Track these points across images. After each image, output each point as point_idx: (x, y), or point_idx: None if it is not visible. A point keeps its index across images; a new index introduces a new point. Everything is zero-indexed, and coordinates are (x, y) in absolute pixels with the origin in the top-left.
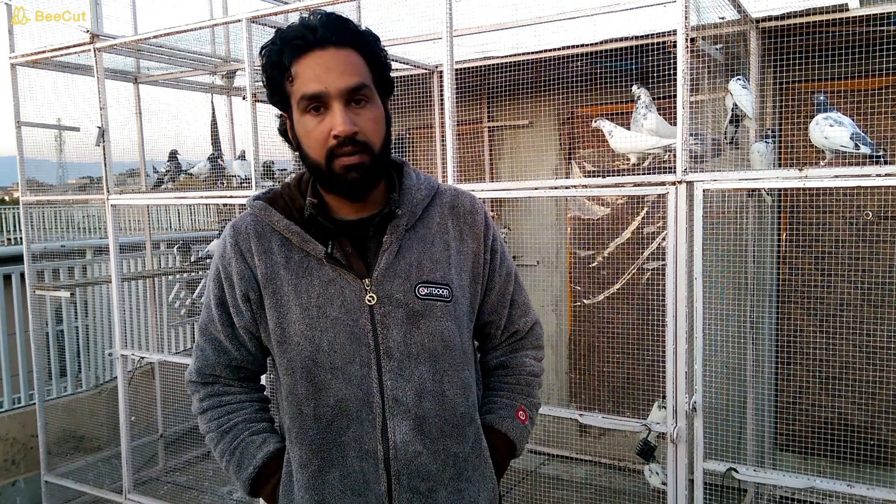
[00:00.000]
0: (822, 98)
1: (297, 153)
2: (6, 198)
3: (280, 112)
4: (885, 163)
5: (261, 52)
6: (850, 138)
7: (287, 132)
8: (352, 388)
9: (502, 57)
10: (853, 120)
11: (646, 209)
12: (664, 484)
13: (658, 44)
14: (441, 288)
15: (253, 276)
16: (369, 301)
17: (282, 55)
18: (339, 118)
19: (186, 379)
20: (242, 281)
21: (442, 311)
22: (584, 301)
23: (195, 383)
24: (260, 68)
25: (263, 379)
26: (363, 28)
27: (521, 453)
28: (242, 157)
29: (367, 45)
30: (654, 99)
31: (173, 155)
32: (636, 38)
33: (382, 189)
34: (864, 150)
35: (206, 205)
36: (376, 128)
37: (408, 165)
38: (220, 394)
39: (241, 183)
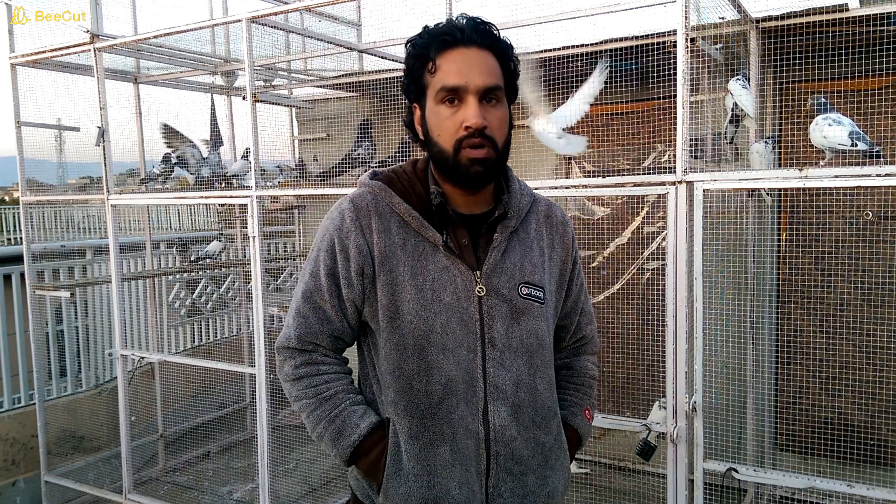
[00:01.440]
0: (822, 100)
1: (419, 143)
2: (6, 198)
3: (410, 104)
4: (886, 162)
5: (407, 44)
6: (849, 136)
7: (413, 123)
8: (460, 371)
9: None
10: (853, 120)
11: (646, 209)
12: None
13: (658, 44)
14: (538, 290)
15: (370, 252)
16: (479, 292)
17: (429, 47)
18: (472, 111)
19: (281, 344)
20: (360, 255)
21: (538, 312)
22: None
23: (292, 349)
24: (404, 60)
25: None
26: (502, 36)
27: (584, 446)
28: (245, 156)
29: (503, 52)
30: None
31: (167, 157)
32: (636, 38)
33: (491, 189)
34: (862, 146)
35: (206, 205)
36: (502, 127)
37: (511, 170)
38: (318, 362)
39: (231, 177)
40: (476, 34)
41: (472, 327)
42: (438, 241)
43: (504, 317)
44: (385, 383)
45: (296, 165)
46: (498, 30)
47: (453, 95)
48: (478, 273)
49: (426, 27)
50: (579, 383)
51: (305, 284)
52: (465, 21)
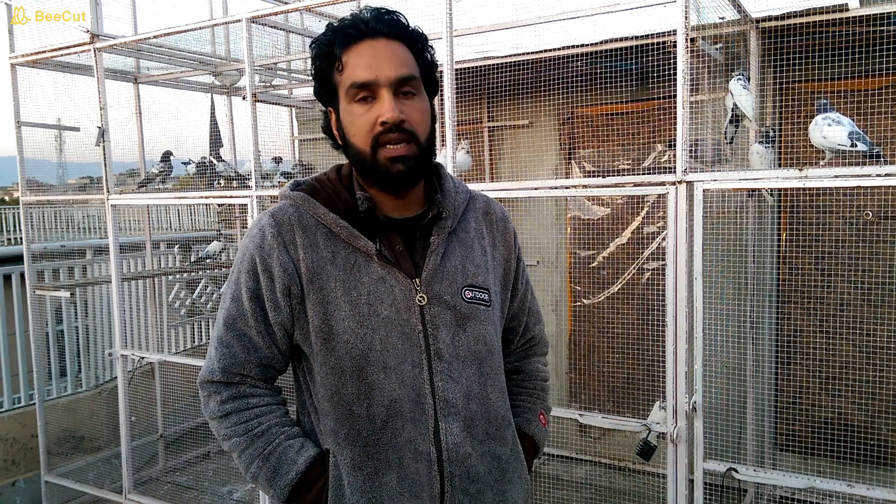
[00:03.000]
0: (823, 102)
1: (339, 149)
2: (6, 198)
3: (325, 108)
4: (885, 162)
5: (311, 45)
6: (848, 136)
7: (331, 128)
8: (405, 389)
9: (502, 57)
10: (853, 120)
11: (646, 209)
12: None
13: (658, 44)
14: (483, 292)
15: (296, 270)
16: (420, 301)
17: (332, 45)
18: (387, 104)
19: (205, 378)
20: (285, 274)
21: (484, 316)
22: (584, 301)
23: (217, 383)
24: (311, 59)
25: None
26: (413, 25)
27: (541, 455)
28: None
29: (416, 42)
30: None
31: (167, 156)
32: (636, 38)
33: (422, 189)
34: (861, 147)
35: (206, 205)
36: (423, 119)
37: (444, 168)
38: (246, 395)
39: (231, 177)
40: (382, 24)
41: (415, 340)
42: (371, 251)
43: (449, 325)
44: (323, 411)
45: (295, 164)
46: (406, 18)
47: (366, 92)
48: (417, 281)
49: (330, 24)
50: (531, 387)
51: (227, 310)
52: (369, 13)
